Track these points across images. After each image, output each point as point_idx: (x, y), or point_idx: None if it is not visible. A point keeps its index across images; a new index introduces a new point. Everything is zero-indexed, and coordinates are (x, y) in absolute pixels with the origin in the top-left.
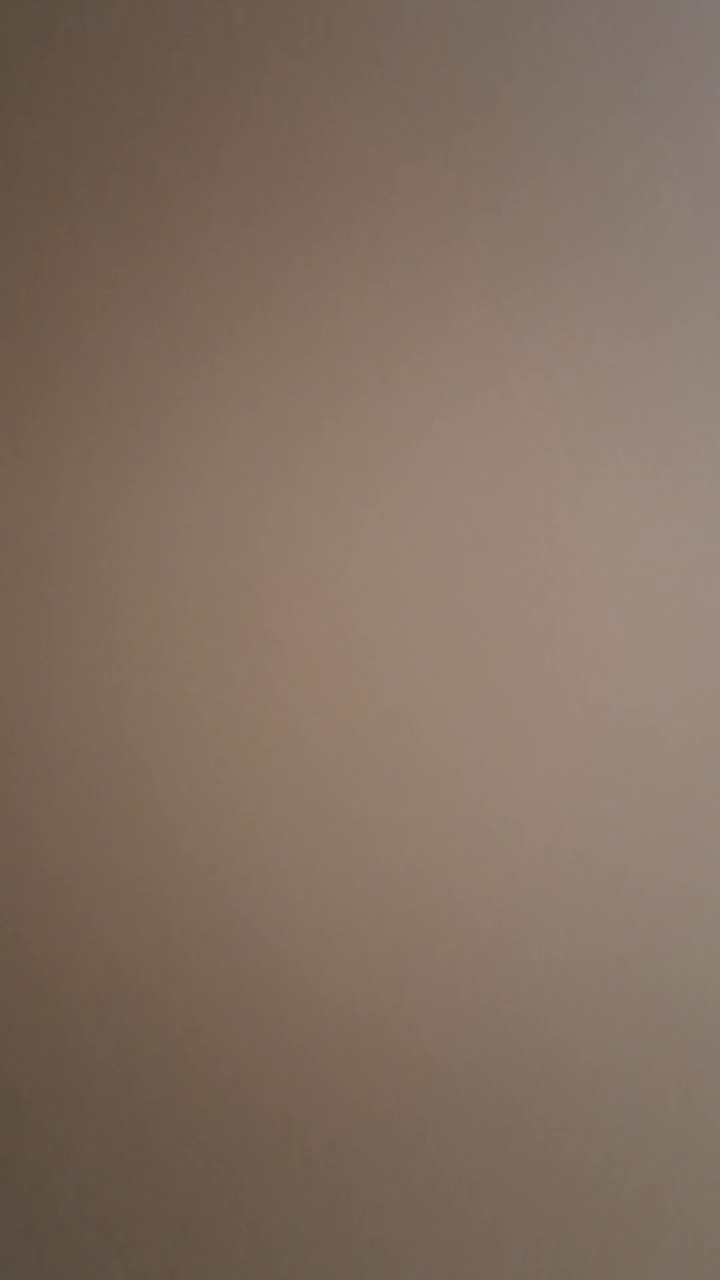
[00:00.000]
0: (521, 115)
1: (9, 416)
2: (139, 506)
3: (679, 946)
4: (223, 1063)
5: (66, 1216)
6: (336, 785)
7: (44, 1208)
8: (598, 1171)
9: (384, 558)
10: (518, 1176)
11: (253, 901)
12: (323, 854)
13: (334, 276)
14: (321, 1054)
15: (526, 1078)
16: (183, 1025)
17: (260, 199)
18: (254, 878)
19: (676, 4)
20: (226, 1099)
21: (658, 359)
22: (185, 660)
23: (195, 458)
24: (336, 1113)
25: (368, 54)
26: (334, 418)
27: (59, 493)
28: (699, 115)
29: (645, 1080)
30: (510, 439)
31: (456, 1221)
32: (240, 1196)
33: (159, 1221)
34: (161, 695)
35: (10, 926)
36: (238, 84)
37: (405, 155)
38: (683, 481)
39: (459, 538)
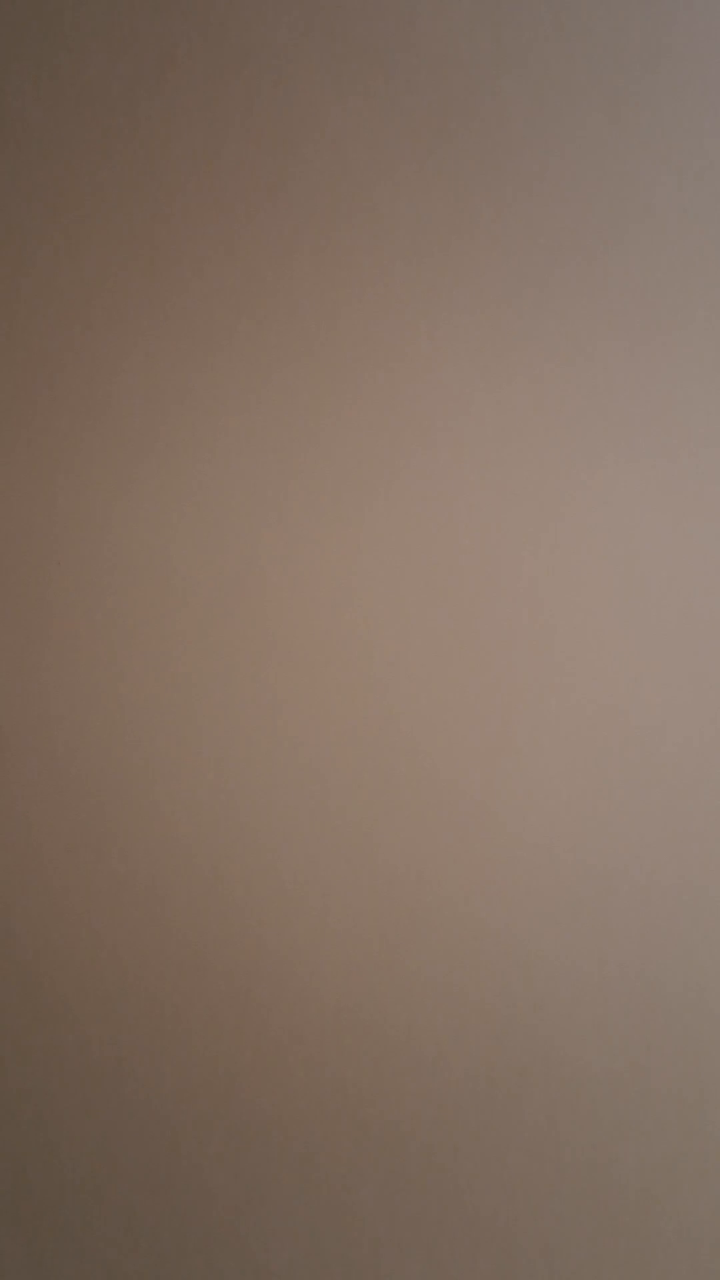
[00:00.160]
0: (522, 116)
1: (9, 417)
2: (140, 508)
3: (679, 946)
4: (222, 1061)
5: (66, 1215)
6: (337, 785)
7: (43, 1206)
8: (597, 1170)
9: (384, 558)
10: (517, 1175)
11: (252, 901)
12: (323, 854)
13: (334, 278)
14: (321, 1053)
15: (526, 1077)
16: (183, 1024)
17: (260, 201)
18: (254, 877)
19: (677, 4)
20: (226, 1098)
21: (658, 360)
22: (186, 661)
23: (196, 459)
24: (336, 1111)
25: (367, 56)
26: (334, 419)
27: (59, 494)
28: (700, 115)
29: (645, 1080)
30: (511, 440)
31: (456, 1220)
32: (240, 1195)
33: (159, 1220)
34: (162, 696)
35: (10, 926)
36: (237, 85)
37: (405, 156)
38: (684, 482)
39: (459, 539)
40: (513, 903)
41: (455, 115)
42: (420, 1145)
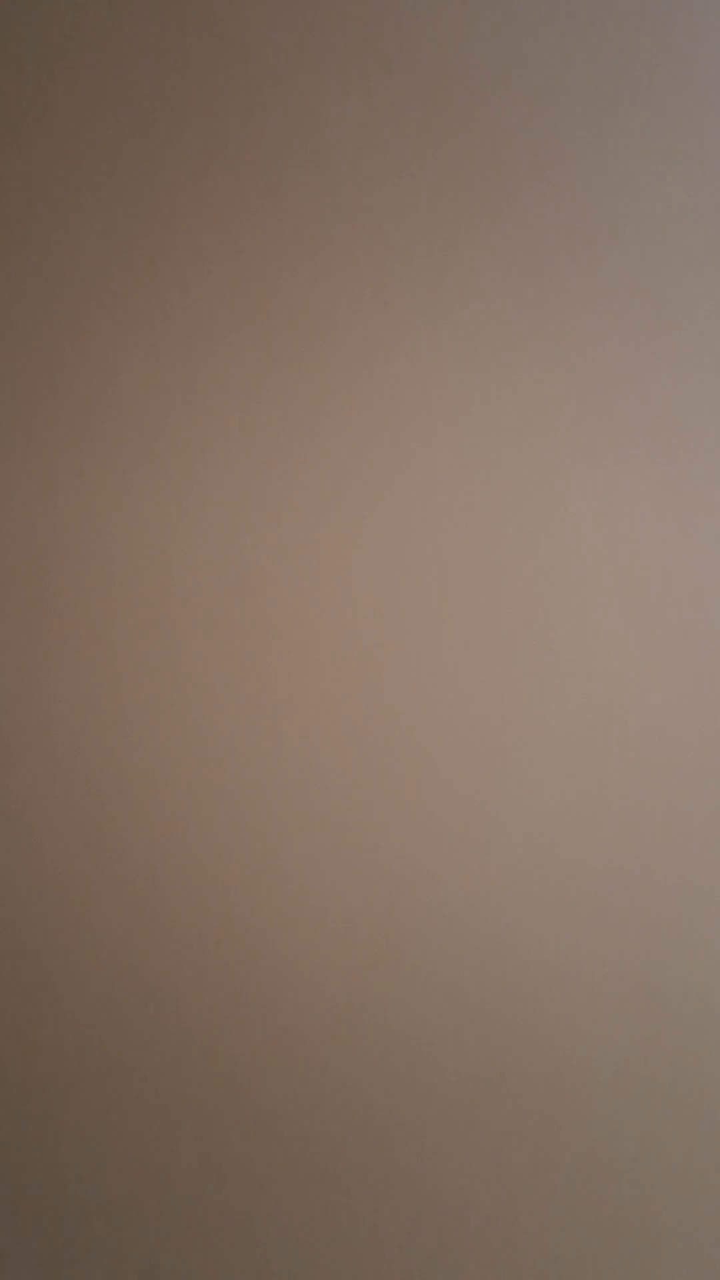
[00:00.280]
0: (522, 116)
1: (9, 417)
2: (140, 508)
3: (679, 946)
4: (222, 1061)
5: (66, 1214)
6: (337, 785)
7: (43, 1205)
8: (597, 1170)
9: (384, 558)
10: (517, 1175)
11: (253, 901)
12: (323, 853)
13: (334, 278)
14: (322, 1052)
15: (526, 1077)
16: (183, 1024)
17: (259, 201)
18: (254, 878)
19: (677, 4)
20: (226, 1097)
21: (658, 359)
22: (187, 661)
23: (195, 459)
24: (337, 1111)
25: (367, 55)
26: (334, 419)
27: (60, 494)
28: (700, 114)
29: (645, 1079)
30: (510, 439)
31: (456, 1219)
32: (240, 1194)
33: (159, 1219)
34: (163, 697)
35: (10, 925)
36: (237, 84)
37: (405, 156)
38: (684, 482)
39: (459, 539)
40: (513, 902)
41: (455, 115)
42: (420, 1144)
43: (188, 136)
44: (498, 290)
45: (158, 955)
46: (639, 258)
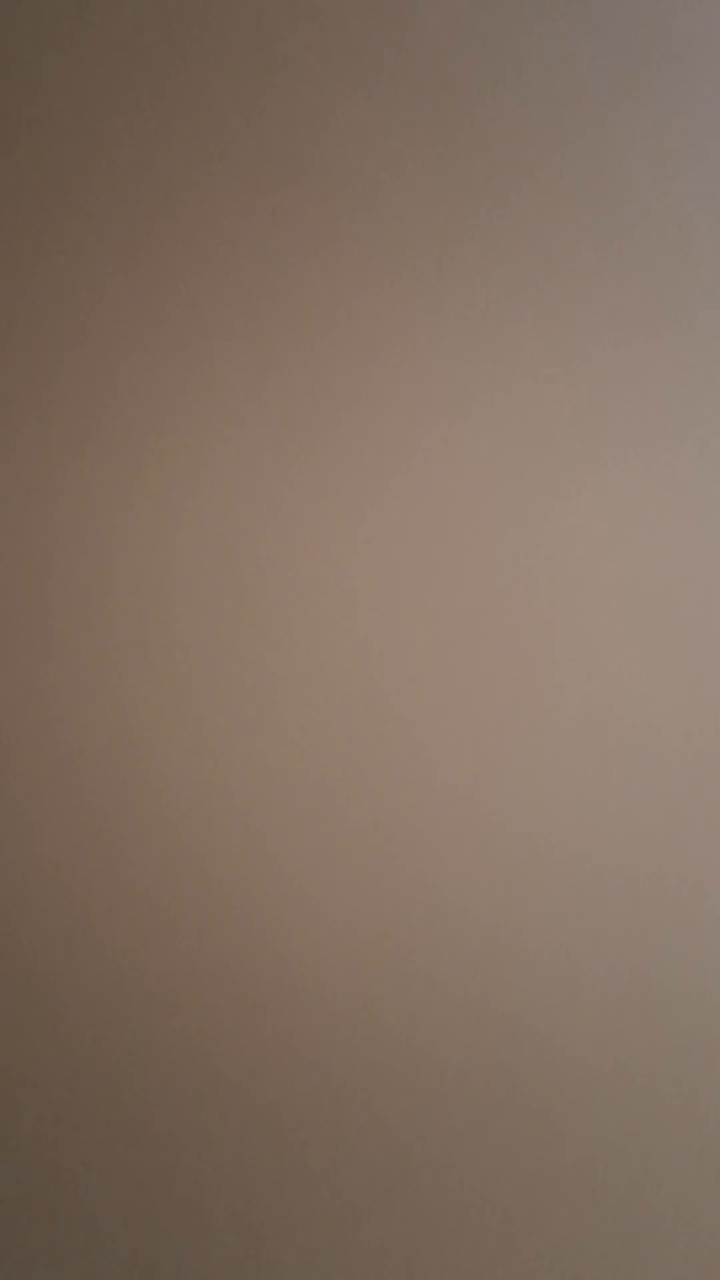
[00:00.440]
0: (522, 116)
1: (9, 418)
2: (140, 508)
3: (679, 946)
4: (222, 1061)
5: (66, 1214)
6: (337, 786)
7: (43, 1205)
8: (597, 1170)
9: (384, 559)
10: (517, 1175)
11: (253, 902)
12: (324, 854)
13: (333, 279)
14: (322, 1053)
15: (527, 1077)
16: (183, 1024)
17: (259, 202)
18: (255, 879)
19: (677, 3)
20: (226, 1098)
21: (659, 359)
22: (187, 662)
23: (195, 460)
24: (337, 1111)
25: (367, 54)
26: (334, 419)
27: (60, 495)
28: (700, 113)
29: (646, 1079)
30: (510, 441)
31: (456, 1219)
32: (240, 1194)
33: (158, 1219)
34: (163, 698)
35: (10, 925)
36: (237, 83)
37: (405, 155)
38: (684, 482)
39: (459, 539)
40: (513, 902)
41: (455, 115)
42: (420, 1144)
43: (188, 136)
44: (498, 290)
45: (158, 955)
46: (639, 258)
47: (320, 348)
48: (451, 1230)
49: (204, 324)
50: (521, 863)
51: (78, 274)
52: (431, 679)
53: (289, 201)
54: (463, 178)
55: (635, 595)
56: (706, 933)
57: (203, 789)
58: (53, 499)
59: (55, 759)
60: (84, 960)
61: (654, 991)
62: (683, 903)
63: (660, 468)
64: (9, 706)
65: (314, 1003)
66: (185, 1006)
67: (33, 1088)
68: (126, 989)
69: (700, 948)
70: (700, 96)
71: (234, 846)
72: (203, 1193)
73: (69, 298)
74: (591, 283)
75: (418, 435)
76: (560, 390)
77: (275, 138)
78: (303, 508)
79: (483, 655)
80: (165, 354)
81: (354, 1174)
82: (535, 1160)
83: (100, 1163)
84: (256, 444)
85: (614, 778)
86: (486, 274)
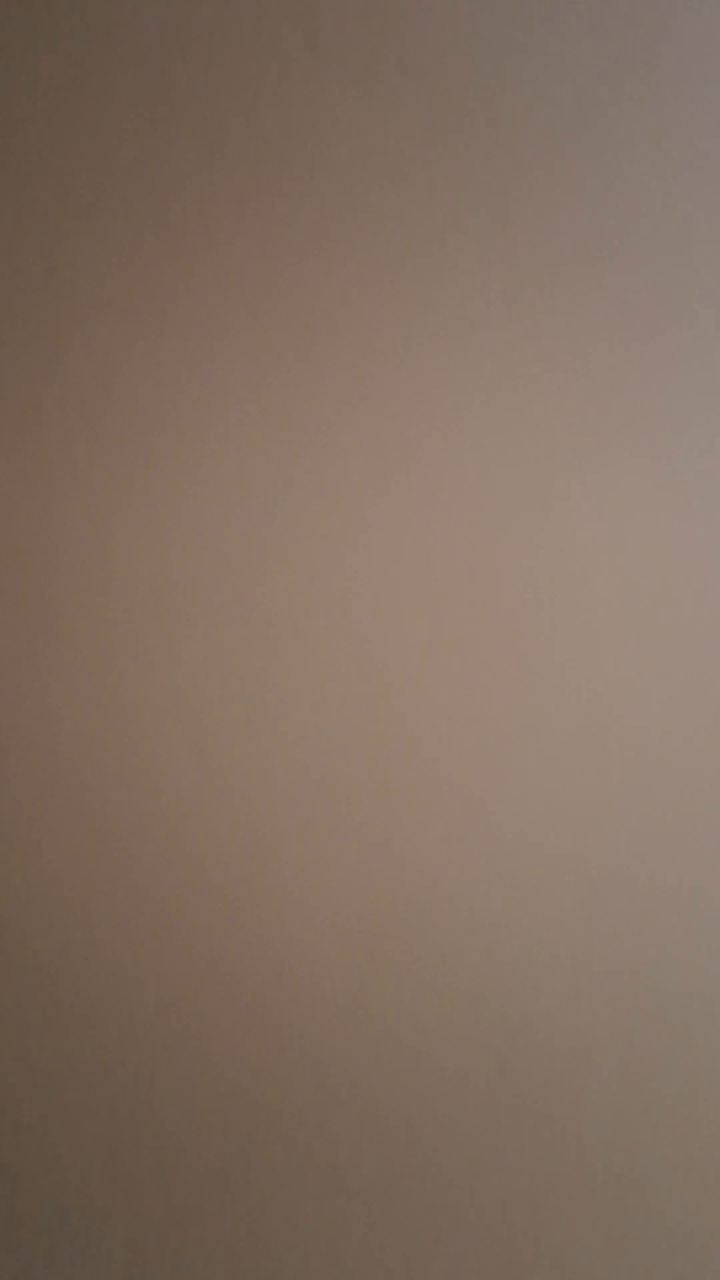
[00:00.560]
0: (522, 117)
1: (9, 418)
2: (139, 510)
3: (678, 946)
4: (222, 1062)
5: (66, 1214)
6: (337, 786)
7: (43, 1205)
8: (597, 1169)
9: (384, 559)
10: (517, 1174)
11: (252, 901)
12: (323, 854)
13: (334, 277)
14: (321, 1053)
15: (527, 1077)
16: (183, 1023)
17: (259, 202)
18: (254, 878)
19: (677, 4)
20: (227, 1097)
21: (659, 359)
22: (185, 660)
23: (195, 460)
24: (336, 1111)
25: (367, 54)
26: (333, 419)
27: (60, 495)
28: (700, 113)
29: (646, 1080)
30: (510, 441)
31: (456, 1219)
32: (240, 1195)
33: (158, 1219)
34: (163, 697)
35: (10, 925)
36: (237, 82)
37: (405, 154)
38: (684, 482)
39: (459, 539)
40: (512, 902)
41: (455, 116)
42: (420, 1144)
43: (188, 136)
44: (497, 291)
45: (158, 955)
46: (639, 259)
47: (320, 347)
48: (452, 1230)
49: (204, 324)
50: (521, 863)
51: (78, 274)
52: (431, 679)
53: (289, 202)
54: (462, 178)
55: (635, 595)
56: (706, 932)
57: (202, 788)
58: (53, 499)
59: (55, 759)
60: (83, 960)
61: (654, 991)
62: (683, 902)
63: (660, 468)
64: (9, 706)
65: (313, 1002)
66: (185, 1006)
67: (32, 1087)
68: (126, 989)
69: (700, 947)
70: (700, 96)
71: (233, 846)
72: (202, 1192)
73: (69, 298)
74: (591, 283)
75: (417, 435)
76: (560, 390)
77: (275, 138)
78: (303, 507)
79: (482, 655)
80: (165, 354)
81: (353, 1173)
82: (535, 1160)
83: (99, 1162)
84: (256, 444)
85: (614, 777)
86: (486, 274)
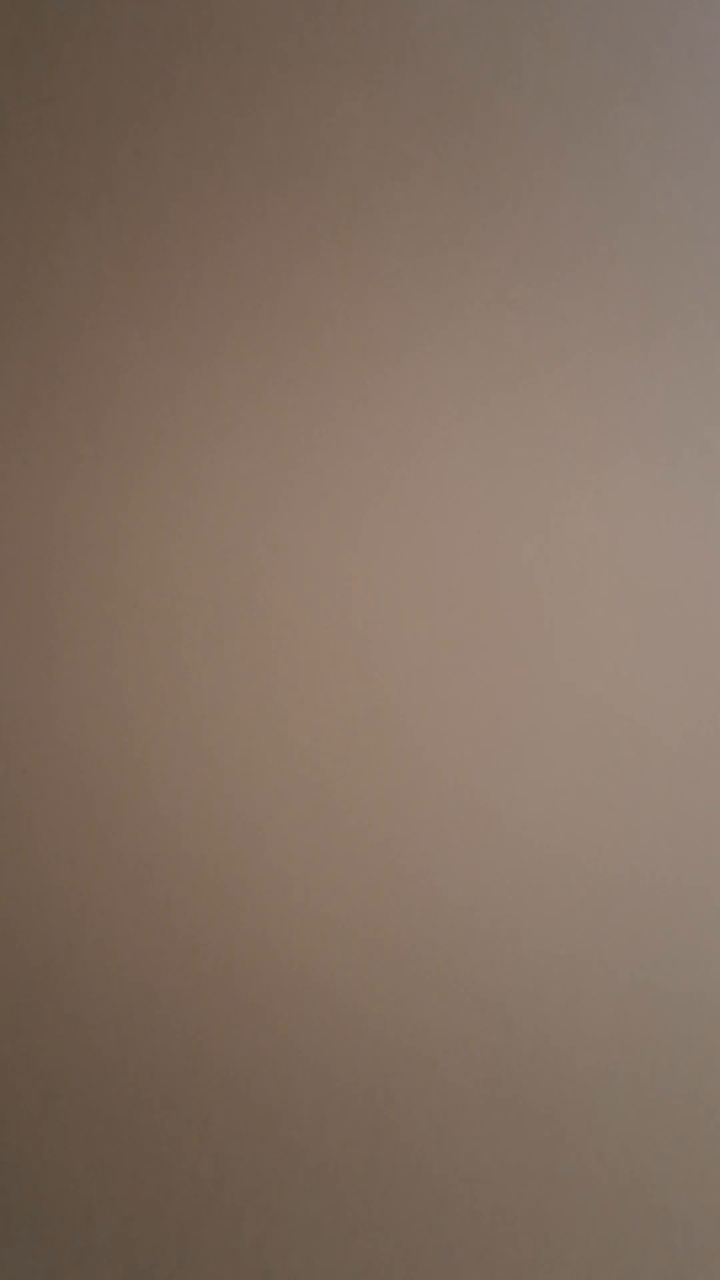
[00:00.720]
0: (521, 118)
1: (9, 418)
2: (139, 510)
3: (679, 946)
4: (222, 1063)
5: (66, 1215)
6: (337, 786)
7: (43, 1205)
8: (598, 1170)
9: (384, 559)
10: (518, 1173)
11: (253, 902)
12: (324, 854)
13: (333, 280)
14: (322, 1053)
15: (527, 1077)
16: (181, 1023)
17: (259, 202)
18: (255, 879)
19: (677, 4)
20: (226, 1099)
21: (659, 359)
22: (185, 660)
23: (195, 460)
24: (338, 1112)
25: (367, 54)
26: (333, 420)
27: (59, 496)
28: (701, 113)
29: (647, 1082)
30: (510, 441)
31: (456, 1219)
32: (239, 1195)
33: (158, 1218)
34: (162, 696)
35: (10, 925)
36: (238, 83)
37: (405, 155)
38: (684, 483)
39: (459, 540)
40: (513, 903)
41: (455, 116)
42: (420, 1144)
43: (188, 136)
44: (498, 291)
45: (158, 955)
46: (640, 258)
47: (320, 347)
48: (452, 1231)
49: (204, 324)
50: (521, 862)
51: (78, 273)
52: (431, 678)
53: (289, 201)
54: (463, 178)
55: (635, 595)
56: (707, 933)
57: (202, 788)
58: (53, 499)
59: (55, 759)
60: (83, 959)
61: (654, 991)
62: (683, 902)
63: (660, 468)
64: (9, 706)
65: (313, 1002)
66: (184, 1006)
67: (30, 1087)
68: (125, 988)
69: (701, 947)
70: (700, 96)
71: (233, 845)
72: (202, 1193)
73: (69, 297)
74: (592, 283)
75: (418, 435)
76: (560, 390)
77: (275, 138)
78: (303, 507)
79: (482, 655)
80: (165, 354)
81: (354, 1173)
82: (536, 1160)
83: (98, 1162)
84: (256, 443)
85: (614, 777)
86: (486, 274)
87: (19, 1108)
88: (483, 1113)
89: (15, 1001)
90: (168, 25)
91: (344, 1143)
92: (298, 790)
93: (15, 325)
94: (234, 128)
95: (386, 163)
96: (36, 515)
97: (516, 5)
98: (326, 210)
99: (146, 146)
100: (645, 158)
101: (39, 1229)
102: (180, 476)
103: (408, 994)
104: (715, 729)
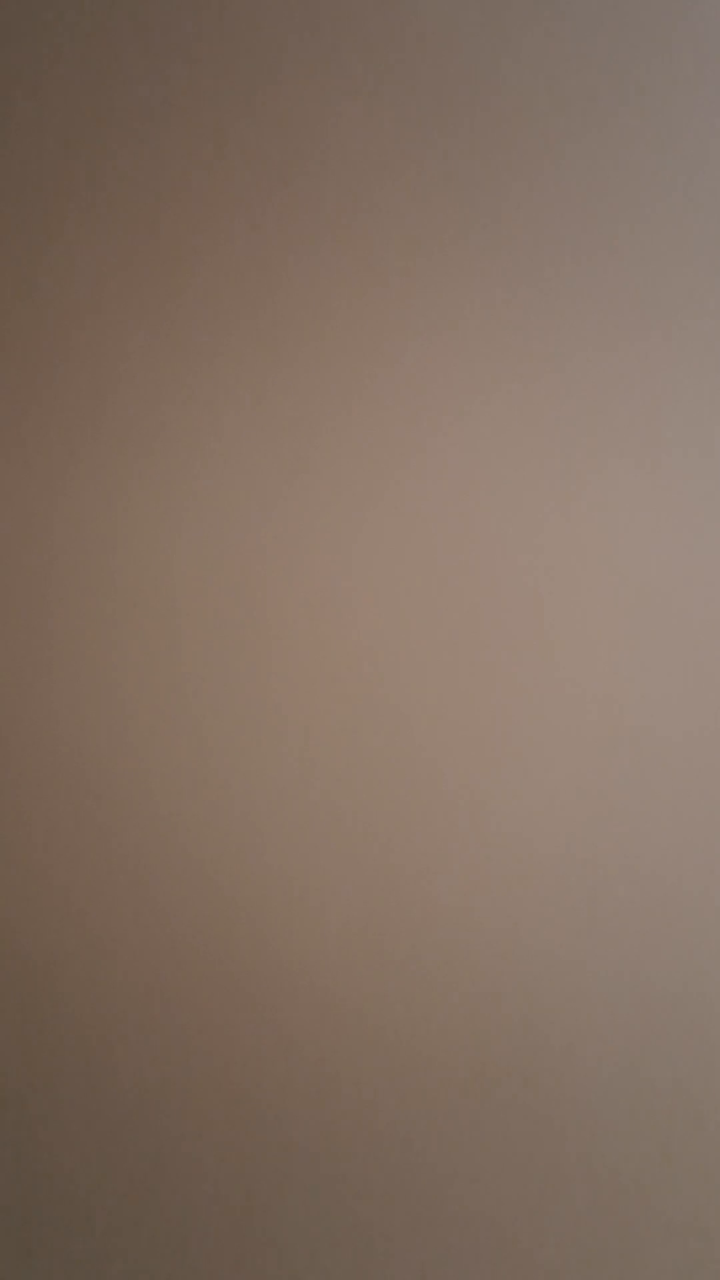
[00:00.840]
0: (523, 117)
1: (9, 417)
2: (139, 509)
3: (679, 946)
4: (222, 1062)
5: (65, 1214)
6: (337, 786)
7: (43, 1205)
8: (597, 1170)
9: (384, 559)
10: (517, 1173)
11: (252, 901)
12: (323, 853)
13: (333, 280)
14: (320, 1053)
15: (527, 1077)
16: (181, 1023)
17: (259, 202)
18: (254, 878)
19: (677, 4)
20: (225, 1098)
21: (659, 360)
22: (185, 660)
23: (195, 459)
24: (336, 1111)
25: (367, 52)
26: (333, 419)
27: (59, 496)
28: (700, 114)
29: (647, 1082)
30: (510, 441)
31: (456, 1219)
32: (239, 1195)
33: (157, 1218)
34: (162, 696)
35: (9, 926)
36: (238, 82)
37: (405, 155)
38: (683, 482)
39: (458, 539)
40: (513, 902)
41: (456, 114)
42: (420, 1144)
43: (188, 136)
44: (497, 292)
45: (157, 955)
46: (639, 258)
47: (320, 348)
48: (453, 1230)
49: (204, 323)
50: (521, 862)
51: (78, 273)
52: (431, 679)
53: (289, 201)
54: (462, 178)
55: (635, 595)
56: (707, 932)
57: (202, 788)
58: (53, 499)
59: (55, 759)
60: (82, 959)
61: (655, 990)
62: (684, 902)
63: (660, 468)
64: (9, 706)
65: (313, 1002)
66: (184, 1005)
67: (30, 1086)
68: (125, 988)
69: (701, 947)
70: (700, 96)
71: (233, 846)
72: (202, 1192)
73: (69, 297)
74: (591, 283)
75: (417, 435)
76: (560, 391)
77: (275, 138)
78: (302, 508)
79: (482, 655)
80: (165, 354)
81: (354, 1174)
82: (535, 1160)
83: (97, 1162)
84: (256, 443)
85: (614, 777)
86: (486, 274)
87: (19, 1108)
88: (482, 1112)
89: (15, 1001)
90: (168, 25)
91: (344, 1142)
92: (298, 790)
93: (15, 325)
94: (234, 128)
95: (386, 163)
96: (36, 515)
97: (516, 5)
98: (326, 210)
99: (147, 146)
100: (645, 158)
101: (39, 1229)
102: (180, 476)
103: (407, 993)
104: (715, 729)
